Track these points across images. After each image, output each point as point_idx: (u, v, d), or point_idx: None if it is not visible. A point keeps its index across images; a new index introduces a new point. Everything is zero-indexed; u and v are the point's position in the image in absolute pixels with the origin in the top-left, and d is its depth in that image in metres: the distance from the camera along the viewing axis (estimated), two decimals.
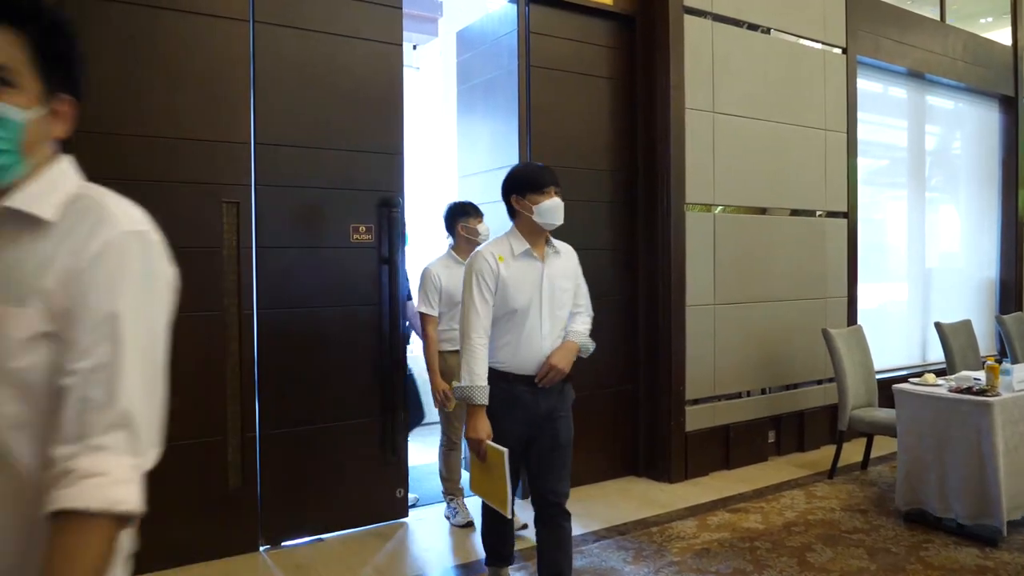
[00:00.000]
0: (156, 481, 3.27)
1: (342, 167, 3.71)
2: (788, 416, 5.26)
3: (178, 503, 3.34)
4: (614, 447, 4.73)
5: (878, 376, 4.91)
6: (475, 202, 4.01)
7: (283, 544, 3.62)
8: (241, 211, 3.48)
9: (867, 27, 5.75)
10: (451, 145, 5.76)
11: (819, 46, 5.47)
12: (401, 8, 3.91)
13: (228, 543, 3.48)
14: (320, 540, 3.69)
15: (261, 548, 3.57)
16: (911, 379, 4.07)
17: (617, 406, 4.74)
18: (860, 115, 5.74)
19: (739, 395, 5.01)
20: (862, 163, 5.81)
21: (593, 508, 4.17)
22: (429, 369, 3.74)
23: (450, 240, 3.92)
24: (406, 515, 3.98)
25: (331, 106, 3.70)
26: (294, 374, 3.61)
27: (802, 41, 5.38)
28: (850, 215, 5.67)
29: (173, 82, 3.34)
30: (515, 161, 4.33)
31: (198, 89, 3.39)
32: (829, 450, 5.05)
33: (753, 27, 5.08)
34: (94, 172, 3.31)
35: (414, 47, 6.68)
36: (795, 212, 5.34)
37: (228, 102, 3.46)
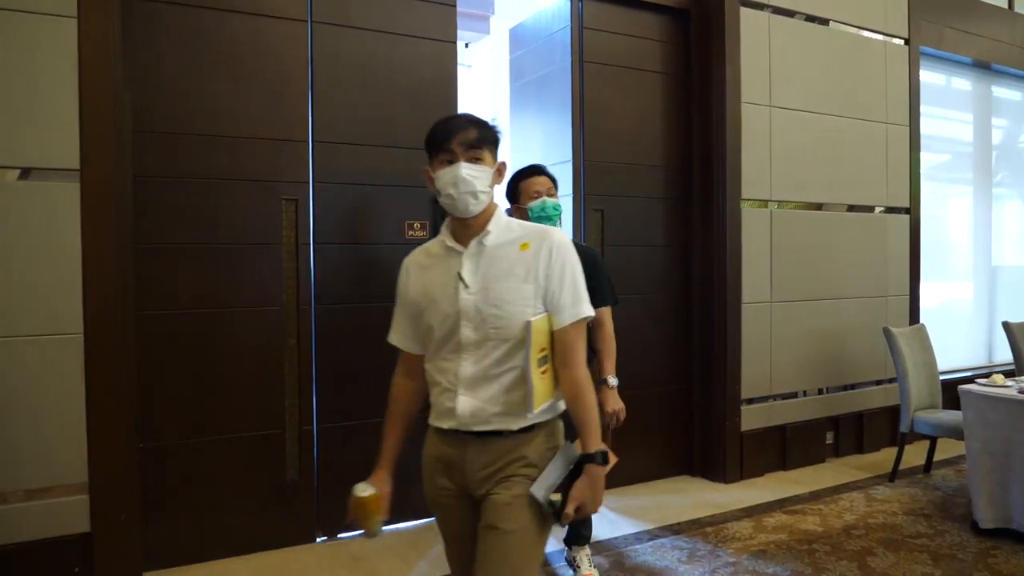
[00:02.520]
0: (217, 473, 3.37)
1: (398, 164, 3.74)
2: (846, 417, 5.14)
3: (238, 494, 3.43)
4: (667, 446, 4.68)
5: (942, 377, 4.76)
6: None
7: (339, 536, 3.68)
8: (300, 208, 3.54)
9: (930, 16, 5.57)
10: (502, 143, 5.77)
11: (880, 37, 5.32)
12: (455, 6, 3.93)
13: (286, 534, 3.55)
14: None
15: (318, 539, 3.63)
16: (978, 380, 3.94)
17: (670, 405, 4.68)
18: (921, 108, 5.57)
19: (795, 395, 4.91)
20: (923, 158, 5.64)
21: (646, 507, 4.14)
22: None
23: None
24: None
25: (387, 104, 3.74)
26: (350, 369, 3.66)
27: (862, 32, 5.24)
28: (912, 211, 5.50)
29: (235, 82, 3.41)
30: (568, 157, 4.32)
31: (259, 89, 3.46)
32: (889, 452, 4.93)
33: (811, 19, 4.96)
34: (160, 170, 3.42)
35: (466, 45, 6.71)
36: (855, 208, 5.21)
37: (287, 101, 3.52)
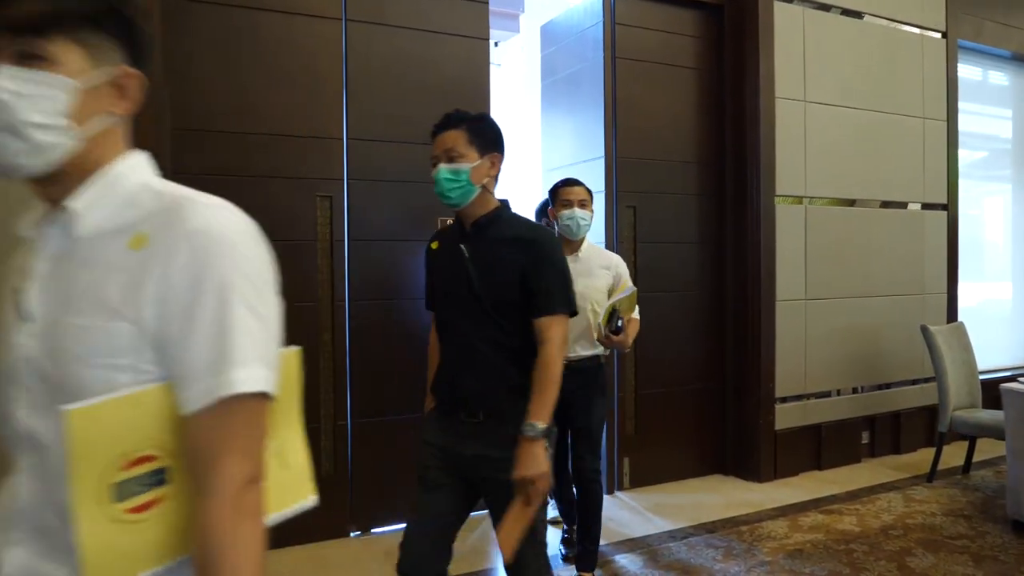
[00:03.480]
0: None
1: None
2: (882, 416, 5.06)
3: None
4: (700, 445, 4.64)
5: (981, 377, 4.66)
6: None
7: (372, 531, 3.70)
8: (334, 204, 3.57)
9: (968, 9, 5.47)
10: (533, 141, 5.76)
11: (916, 30, 5.24)
12: (487, 3, 3.94)
13: (320, 528, 3.57)
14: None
15: (352, 534, 3.66)
16: (1020, 379, 3.85)
17: (703, 403, 4.65)
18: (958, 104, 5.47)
19: (829, 394, 4.85)
20: (959, 155, 5.53)
21: (679, 505, 4.11)
22: None
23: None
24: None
25: (420, 101, 3.75)
26: (384, 364, 3.68)
27: (898, 25, 5.16)
28: (950, 208, 5.41)
29: (270, 80, 3.45)
30: (600, 154, 4.30)
31: (294, 87, 3.49)
32: (927, 453, 4.85)
33: (846, 12, 4.90)
34: (197, 167, 3.47)
35: (495, 44, 6.72)
36: (891, 204, 5.13)
37: (322, 99, 3.55)
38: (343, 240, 3.60)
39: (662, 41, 4.48)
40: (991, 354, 5.81)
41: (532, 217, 4.00)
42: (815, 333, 4.73)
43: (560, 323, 2.00)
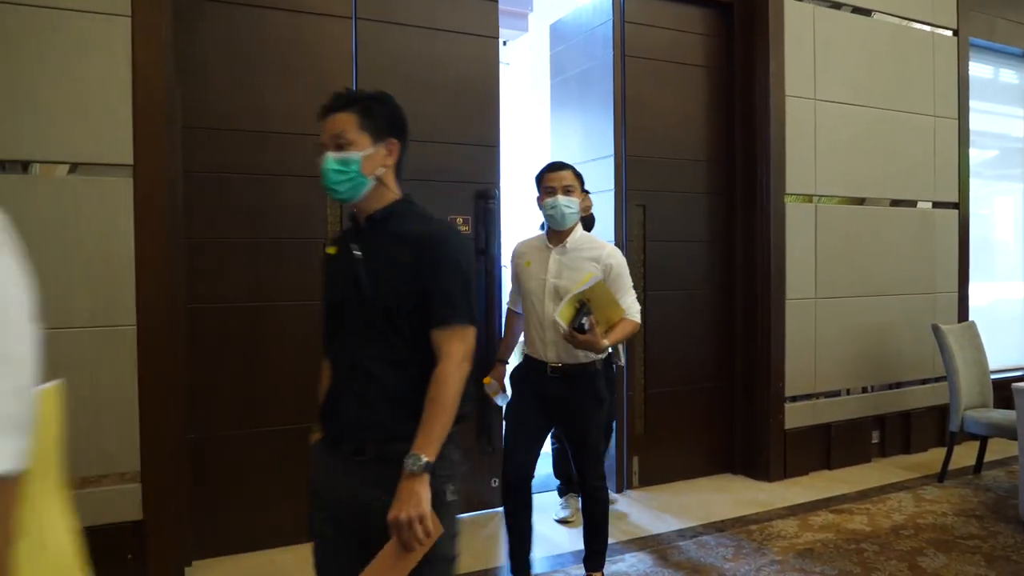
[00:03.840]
0: (263, 464, 3.41)
1: (440, 159, 3.76)
2: (893, 416, 5.04)
3: (283, 485, 3.46)
4: (709, 444, 4.63)
5: (992, 376, 4.64)
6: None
7: None
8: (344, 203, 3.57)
9: (980, 7, 5.44)
10: (541, 140, 5.76)
11: (927, 28, 5.21)
12: (497, 1, 3.94)
13: None
14: None
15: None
16: None
17: (713, 402, 4.64)
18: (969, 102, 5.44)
19: (839, 393, 4.83)
20: (970, 153, 5.50)
21: (688, 504, 4.10)
22: None
23: None
24: (500, 505, 4.00)
25: (430, 99, 3.76)
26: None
27: (909, 23, 5.13)
28: (961, 206, 5.38)
29: (281, 79, 3.46)
30: (610, 153, 4.30)
31: (304, 85, 3.49)
32: (937, 453, 4.83)
33: (857, 10, 4.88)
34: (209, 166, 3.48)
35: (504, 43, 6.71)
36: (900, 203, 5.10)
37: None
38: None
39: (672, 39, 4.48)
40: (1002, 353, 5.78)
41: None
42: (825, 332, 4.72)
43: (460, 337, 1.65)
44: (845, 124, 4.78)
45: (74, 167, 2.87)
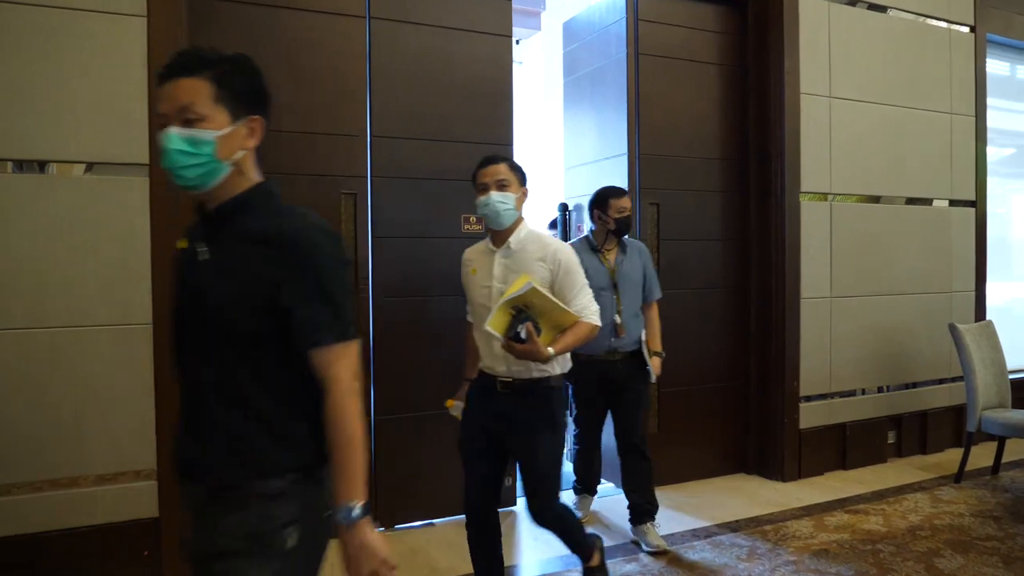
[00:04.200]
0: None
1: (454, 158, 3.76)
2: (909, 416, 5.00)
3: None
4: (723, 443, 4.61)
5: (1010, 376, 4.59)
6: (583, 193, 3.98)
7: (396, 527, 3.71)
8: (358, 202, 3.59)
9: (998, 3, 5.38)
10: (554, 138, 5.76)
11: (944, 24, 5.16)
12: (510, 0, 3.94)
13: None
14: (431, 524, 3.76)
15: (376, 530, 3.66)
16: None
17: (726, 401, 4.62)
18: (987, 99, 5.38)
19: (854, 393, 4.79)
20: (987, 151, 5.45)
21: (701, 504, 4.08)
22: None
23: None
24: (514, 503, 4.00)
25: (444, 98, 3.76)
26: (407, 361, 3.69)
27: (925, 20, 5.09)
28: (978, 204, 5.33)
29: (295, 78, 3.47)
30: (624, 151, 4.29)
31: (318, 84, 3.51)
32: (954, 453, 4.79)
33: (872, 7, 4.84)
34: None
35: (517, 41, 6.71)
36: (916, 201, 5.06)
37: (346, 96, 3.57)
38: (367, 237, 3.61)
39: (685, 37, 4.46)
40: (1020, 353, 5.71)
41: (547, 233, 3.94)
42: (840, 331, 4.68)
43: (342, 357, 1.38)
44: (860, 121, 4.75)
45: (90, 166, 2.89)
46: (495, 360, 2.58)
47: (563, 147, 5.00)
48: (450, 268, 3.78)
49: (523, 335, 2.34)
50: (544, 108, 6.76)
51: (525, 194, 2.67)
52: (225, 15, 3.34)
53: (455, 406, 2.84)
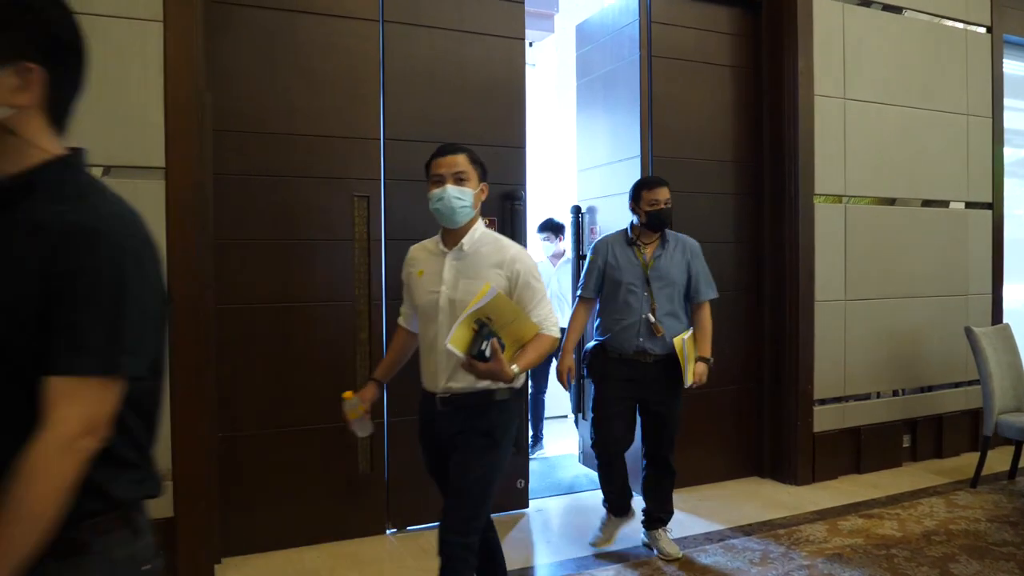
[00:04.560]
0: (292, 463, 3.44)
1: None
2: (924, 420, 4.96)
3: (311, 485, 3.50)
4: (737, 446, 4.60)
5: None
6: (595, 195, 3.96)
7: (408, 528, 3.73)
8: (371, 204, 3.60)
9: (1015, 3, 5.33)
10: (567, 141, 5.76)
11: (960, 25, 5.12)
12: (523, 3, 3.94)
13: (357, 525, 3.61)
14: None
15: (388, 531, 3.69)
16: None
17: (740, 404, 4.60)
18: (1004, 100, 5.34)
19: (869, 396, 4.76)
20: (1004, 152, 5.40)
21: (714, 507, 4.07)
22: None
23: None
24: (527, 505, 4.01)
25: (457, 101, 3.77)
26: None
27: (941, 20, 5.05)
28: (995, 206, 5.28)
29: (309, 82, 3.49)
30: (636, 153, 4.28)
31: (332, 88, 3.53)
32: (970, 458, 4.74)
33: (887, 7, 4.81)
34: (238, 168, 3.52)
35: (530, 44, 6.71)
36: (932, 203, 5.02)
37: (359, 100, 3.59)
38: (380, 240, 3.63)
39: (698, 39, 4.45)
40: None
41: (535, 235, 3.90)
42: (855, 334, 4.66)
43: (83, 396, 1.01)
44: (875, 123, 4.72)
45: (107, 169, 2.92)
46: (436, 376, 2.33)
47: (576, 149, 5.00)
48: None
49: (487, 353, 2.06)
50: (557, 110, 6.76)
51: (484, 191, 2.39)
52: (240, 20, 3.37)
53: (351, 401, 2.54)
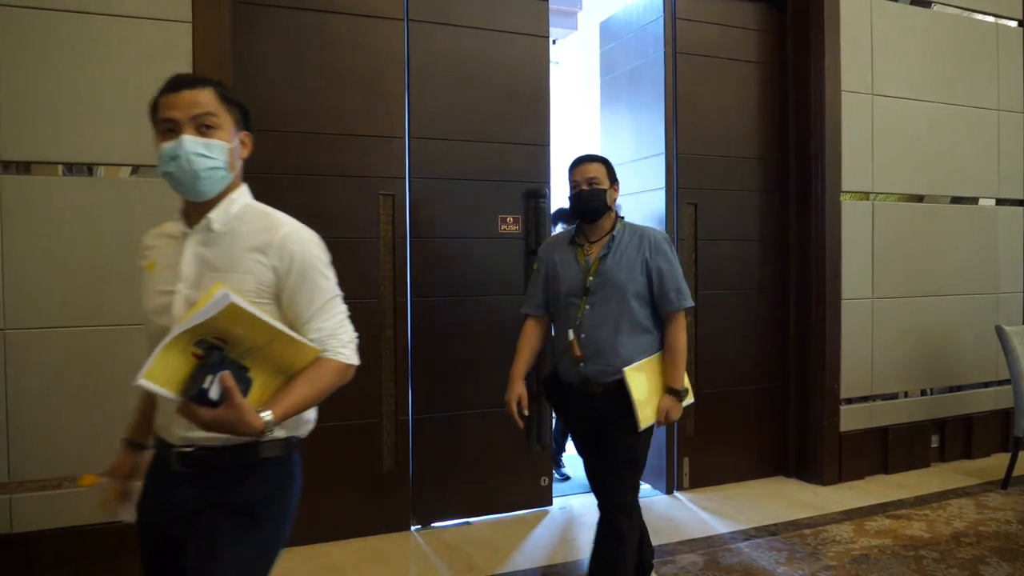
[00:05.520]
0: (317, 460, 3.43)
1: (491, 159, 3.78)
2: (953, 420, 4.89)
3: (337, 481, 3.53)
4: (762, 445, 4.56)
5: None
6: (620, 193, 3.91)
7: (433, 525, 3.75)
8: (396, 202, 3.62)
9: None
10: (590, 138, 5.74)
11: (990, 19, 5.04)
12: (547, 1, 3.94)
13: (381, 521, 3.63)
14: (468, 523, 3.79)
15: (412, 528, 3.71)
16: None
17: (765, 403, 4.56)
18: None
19: (897, 395, 4.71)
20: None
21: (740, 507, 4.05)
22: None
23: None
24: (550, 503, 4.01)
25: (481, 99, 3.78)
26: (445, 360, 3.72)
27: (971, 14, 4.97)
28: None
29: (334, 81, 3.51)
30: (661, 150, 4.27)
31: (358, 87, 3.55)
32: (1000, 459, 4.67)
33: (915, 1, 4.74)
34: (263, 167, 3.54)
35: (553, 42, 6.71)
36: (962, 200, 4.95)
37: (385, 98, 3.61)
38: (405, 238, 3.65)
39: (723, 35, 4.42)
40: None
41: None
42: (882, 333, 4.60)
43: None
44: (904, 119, 4.66)
45: (136, 168, 2.96)
46: (169, 419, 1.49)
47: (600, 147, 4.98)
48: (487, 268, 3.83)
49: (213, 394, 1.31)
50: (581, 108, 6.75)
51: (247, 144, 1.64)
52: (267, 20, 3.40)
53: (100, 484, 1.68)
